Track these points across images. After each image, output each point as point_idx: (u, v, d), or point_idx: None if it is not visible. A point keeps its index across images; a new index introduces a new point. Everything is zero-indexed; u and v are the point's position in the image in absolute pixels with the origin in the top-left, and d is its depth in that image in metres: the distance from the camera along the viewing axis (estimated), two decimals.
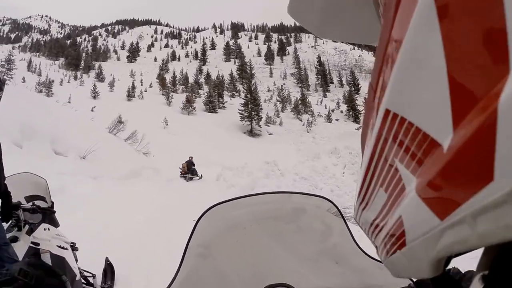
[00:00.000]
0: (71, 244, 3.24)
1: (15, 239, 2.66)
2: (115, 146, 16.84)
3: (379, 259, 0.66)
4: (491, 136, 0.15)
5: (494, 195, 0.15)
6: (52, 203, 3.31)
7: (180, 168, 16.26)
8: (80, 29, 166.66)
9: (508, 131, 0.15)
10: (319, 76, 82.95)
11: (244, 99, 45.91)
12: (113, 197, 8.77)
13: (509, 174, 0.15)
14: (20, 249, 2.57)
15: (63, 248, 2.89)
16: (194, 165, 16.22)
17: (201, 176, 15.85)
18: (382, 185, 0.32)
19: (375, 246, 0.38)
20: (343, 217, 0.98)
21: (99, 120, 24.25)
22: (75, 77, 74.21)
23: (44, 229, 2.84)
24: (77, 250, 3.44)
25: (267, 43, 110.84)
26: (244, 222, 1.04)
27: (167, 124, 33.92)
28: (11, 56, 47.59)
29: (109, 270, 4.20)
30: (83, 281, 3.49)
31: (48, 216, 3.14)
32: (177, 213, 7.84)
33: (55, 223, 3.17)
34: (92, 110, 35.47)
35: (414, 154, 0.25)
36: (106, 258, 4.26)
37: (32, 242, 2.64)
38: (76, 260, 3.24)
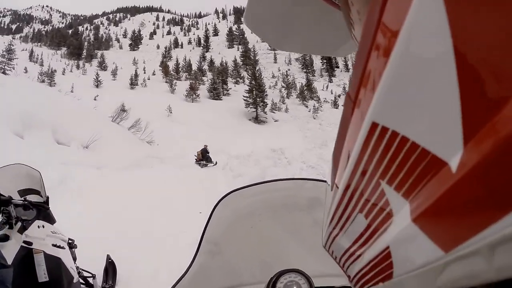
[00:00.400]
0: (69, 242, 3.01)
1: (5, 238, 2.35)
2: (119, 135, 16.75)
3: None
4: None
5: (495, 238, 0.14)
6: (47, 197, 2.96)
7: (195, 155, 17.05)
8: (82, 18, 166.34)
9: None
10: (324, 61, 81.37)
11: (249, 86, 45.30)
12: (117, 187, 8.68)
13: None
14: (11, 249, 2.30)
15: (59, 247, 2.64)
16: (208, 152, 17.04)
17: (216, 162, 16.56)
18: (362, 210, 0.28)
19: (348, 275, 0.35)
20: None
21: (102, 108, 23.98)
22: (78, 66, 73.82)
23: (38, 227, 2.58)
24: (76, 247, 3.20)
25: None
26: (259, 209, 1.05)
27: (171, 112, 33.51)
28: (11, 46, 47.28)
29: (110, 269, 3.92)
30: (81, 281, 3.21)
31: (44, 211, 2.81)
32: (182, 205, 7.63)
33: (50, 219, 2.89)
34: (95, 99, 35.12)
35: (408, 175, 0.21)
36: (108, 255, 3.99)
37: (24, 241, 2.37)
38: (75, 259, 3.06)
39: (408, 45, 0.18)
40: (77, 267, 3.00)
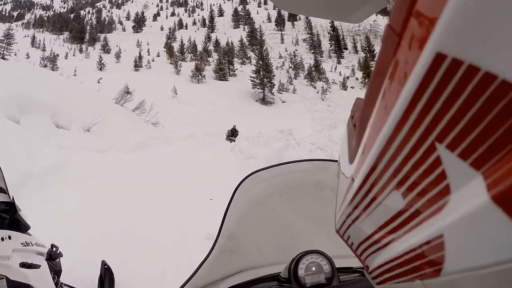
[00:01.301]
0: (50, 251, 2.30)
1: None
2: (122, 117, 16.27)
3: None
4: None
5: None
6: (13, 198, 2.19)
7: (226, 133, 19.43)
8: (83, 2, 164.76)
9: None
10: (333, 42, 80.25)
11: (256, 66, 44.49)
12: (119, 171, 8.13)
13: None
14: None
15: (30, 266, 1.87)
16: (237, 131, 19.13)
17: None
18: (400, 186, 0.21)
19: (365, 265, 0.30)
20: None
21: (106, 91, 23.37)
22: (80, 50, 73.22)
23: (2, 239, 1.80)
24: (61, 256, 2.48)
25: (277, 8, 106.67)
26: (279, 190, 1.07)
27: (176, 93, 32.94)
28: (10, 31, 46.52)
29: (107, 277, 3.15)
30: None
31: (10, 217, 2.02)
32: (190, 191, 7.03)
33: (21, 226, 2.01)
34: (98, 82, 34.45)
35: (487, 134, 0.14)
36: (103, 261, 3.21)
37: None
38: (59, 272, 2.44)
39: None
40: (60, 284, 2.40)
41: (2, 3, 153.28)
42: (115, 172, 7.98)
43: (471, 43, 0.14)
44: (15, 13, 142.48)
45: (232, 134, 19.24)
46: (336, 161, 0.92)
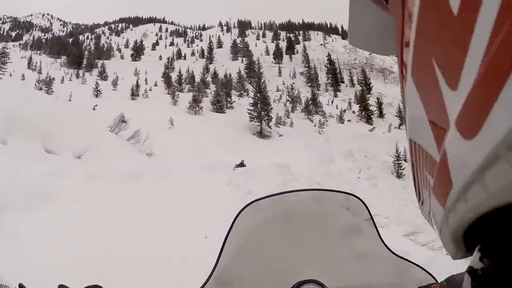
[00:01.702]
0: None
1: None
2: (116, 145, 15.85)
3: (405, 258, 0.93)
4: (447, 167, 0.23)
5: (453, 198, 0.23)
6: None
7: (233, 168, 18.47)
8: (83, 27, 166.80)
9: (455, 167, 0.22)
10: (330, 75, 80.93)
11: (254, 99, 44.30)
12: (109, 202, 7.79)
13: (457, 184, 0.22)
14: None
15: None
16: (245, 165, 18.93)
17: None
18: (423, 186, 0.38)
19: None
20: (369, 212, 1.04)
21: (101, 118, 22.96)
22: (77, 75, 72.69)
23: None
24: None
25: (275, 41, 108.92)
26: (276, 219, 1.11)
27: (172, 124, 32.42)
28: (5, 50, 45.90)
29: None
30: None
31: None
32: (182, 226, 6.84)
33: None
34: (93, 109, 34.00)
35: (430, 166, 0.31)
36: None
37: None
38: None
39: (407, 99, 0.33)
40: None
41: (1, 22, 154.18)
42: (103, 202, 7.63)
43: (415, 136, 0.33)
44: (13, 33, 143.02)
45: (240, 167, 19.25)
46: (335, 191, 1.08)
